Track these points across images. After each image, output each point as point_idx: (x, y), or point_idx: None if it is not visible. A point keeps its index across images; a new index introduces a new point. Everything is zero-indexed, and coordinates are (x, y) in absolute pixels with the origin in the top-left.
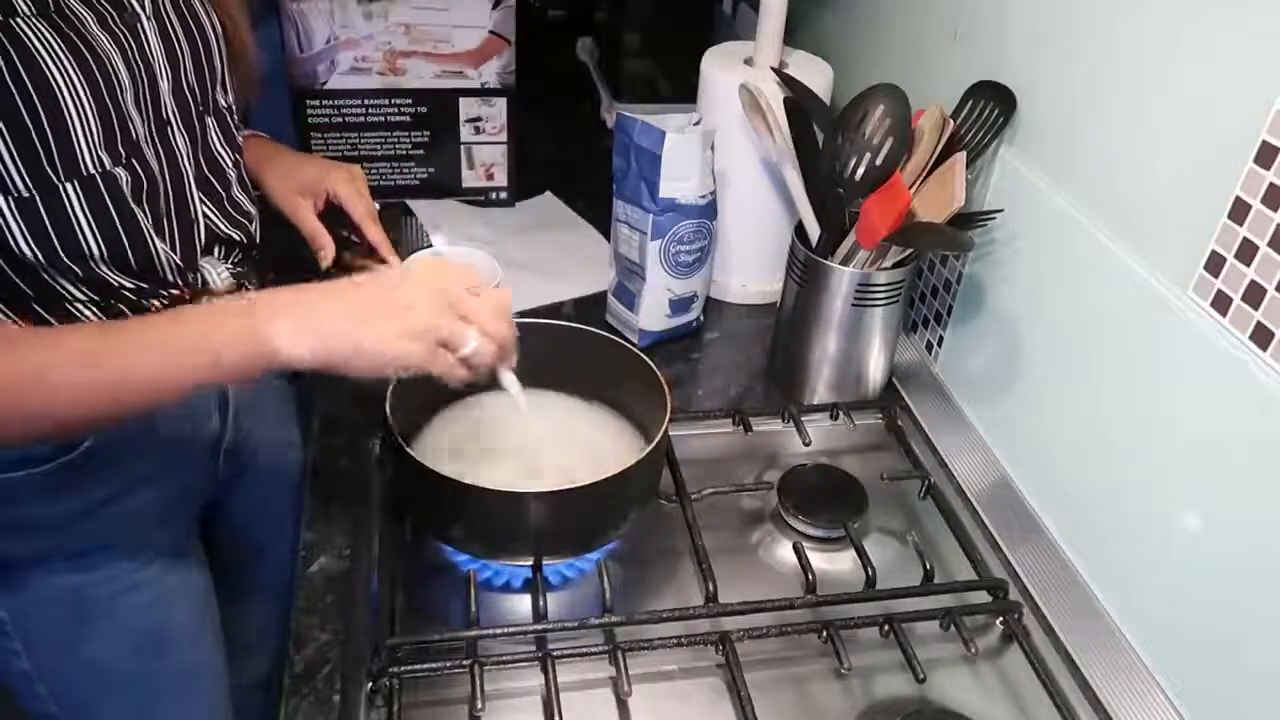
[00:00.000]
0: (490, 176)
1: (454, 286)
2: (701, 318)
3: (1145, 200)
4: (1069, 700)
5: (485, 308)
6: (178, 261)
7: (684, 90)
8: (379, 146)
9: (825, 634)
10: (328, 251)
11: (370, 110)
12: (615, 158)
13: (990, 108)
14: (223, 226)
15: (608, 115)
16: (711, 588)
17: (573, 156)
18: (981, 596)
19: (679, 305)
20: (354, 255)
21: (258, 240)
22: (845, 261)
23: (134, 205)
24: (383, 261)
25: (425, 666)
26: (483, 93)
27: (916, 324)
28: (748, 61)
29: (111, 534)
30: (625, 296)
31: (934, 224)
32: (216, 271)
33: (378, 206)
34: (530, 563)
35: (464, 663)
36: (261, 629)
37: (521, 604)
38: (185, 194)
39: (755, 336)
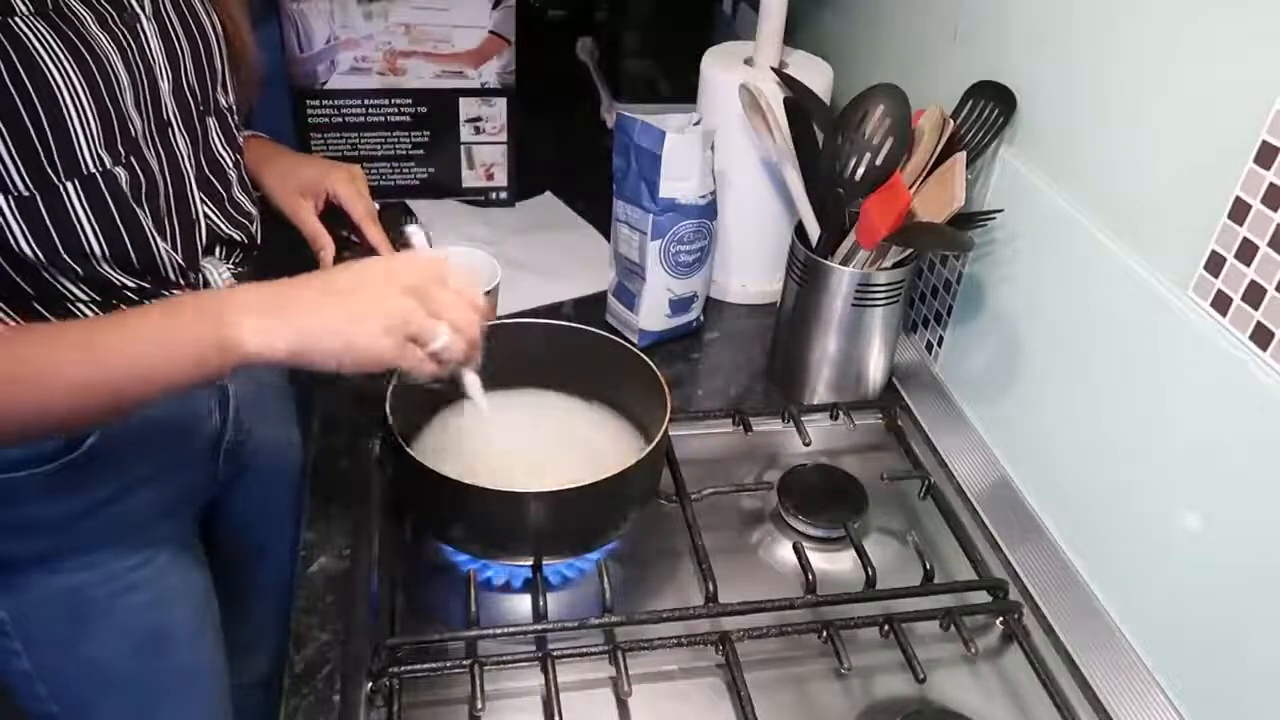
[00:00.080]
0: (490, 176)
1: (424, 281)
2: (701, 318)
3: (1145, 200)
4: (1069, 700)
5: (456, 303)
6: (179, 261)
7: (684, 90)
8: (379, 146)
9: (825, 634)
10: (328, 252)
11: (370, 110)
12: (615, 158)
13: (990, 108)
14: (224, 227)
15: (608, 115)
16: (711, 588)
17: (573, 156)
18: (981, 596)
19: (679, 305)
20: (354, 255)
21: (259, 241)
22: (845, 261)
23: (134, 204)
24: None
25: (425, 666)
26: (483, 93)
27: (916, 324)
28: (748, 61)
29: (112, 534)
30: (625, 296)
31: (934, 224)
32: (218, 272)
33: (378, 206)
34: (530, 563)
35: (464, 663)
36: (261, 629)
37: (521, 604)
38: (186, 194)
39: (755, 336)
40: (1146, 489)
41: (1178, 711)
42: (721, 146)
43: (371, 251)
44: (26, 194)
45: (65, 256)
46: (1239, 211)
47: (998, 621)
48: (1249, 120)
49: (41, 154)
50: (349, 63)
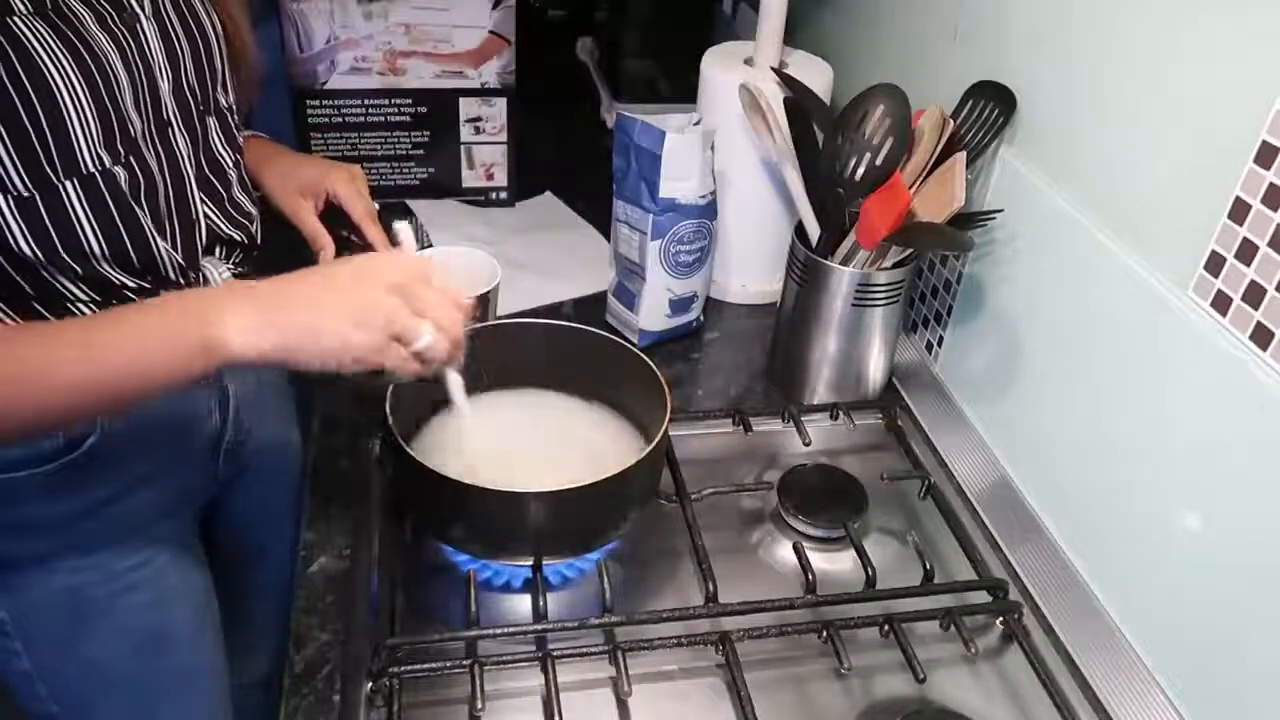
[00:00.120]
0: (490, 176)
1: (408, 279)
2: (701, 318)
3: (1145, 200)
4: (1069, 700)
5: (439, 302)
6: (179, 261)
7: (684, 90)
8: (379, 146)
9: (825, 634)
10: (328, 252)
11: (370, 110)
12: (615, 158)
13: (990, 108)
14: (224, 227)
15: (608, 115)
16: (711, 588)
17: (573, 156)
18: (981, 596)
19: (679, 305)
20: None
21: (259, 241)
22: (845, 261)
23: (134, 204)
24: None
25: (425, 666)
26: (483, 93)
27: (916, 324)
28: (748, 61)
29: (112, 534)
30: (625, 296)
31: (934, 224)
32: (218, 272)
33: (377, 206)
34: (530, 563)
35: (464, 663)
36: (261, 629)
37: (521, 604)
38: (186, 194)
39: (755, 336)
40: (1146, 489)
41: (1178, 711)
42: (721, 146)
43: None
44: (26, 194)
45: (65, 256)
46: (1239, 211)
47: (998, 621)
48: (1249, 120)
49: (41, 154)
50: (349, 63)
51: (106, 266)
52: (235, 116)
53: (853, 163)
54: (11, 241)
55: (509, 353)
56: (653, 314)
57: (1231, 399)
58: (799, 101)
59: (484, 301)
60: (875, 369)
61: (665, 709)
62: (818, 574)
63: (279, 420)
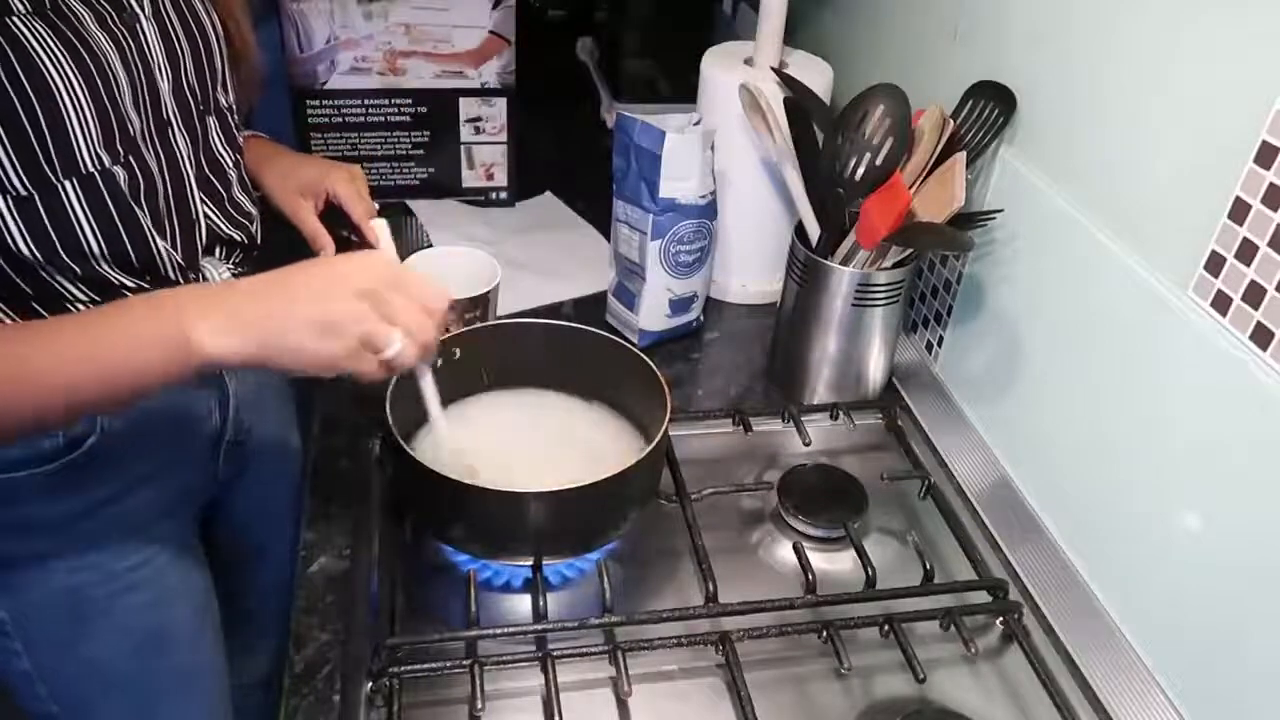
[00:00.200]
0: (490, 176)
1: (378, 284)
2: (701, 318)
3: (1145, 200)
4: (1069, 700)
5: (409, 307)
6: (179, 261)
7: (684, 90)
8: (379, 146)
9: (825, 634)
10: (328, 252)
11: (370, 110)
12: (615, 158)
13: (990, 108)
14: (224, 227)
15: (608, 115)
16: (711, 588)
17: (573, 156)
18: (981, 596)
19: (679, 305)
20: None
21: (259, 241)
22: (845, 261)
23: (134, 204)
24: None
25: (425, 666)
26: (483, 93)
27: (916, 324)
28: (748, 61)
29: (112, 534)
30: (625, 296)
31: (934, 224)
32: (217, 272)
33: (377, 207)
34: (530, 563)
35: (464, 663)
36: (261, 629)
37: (521, 604)
38: (186, 193)
39: (755, 336)
40: (1146, 489)
41: (1178, 711)
42: (721, 146)
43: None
44: (25, 194)
45: (64, 256)
46: (1239, 211)
47: (998, 621)
48: (1249, 120)
49: (40, 154)
50: (349, 63)
51: (106, 267)
52: (235, 116)
53: (853, 163)
54: (10, 242)
55: (509, 353)
56: (653, 314)
57: (1231, 399)
58: (799, 101)
59: (484, 301)
60: (875, 369)
61: (665, 709)
62: (818, 574)
63: (279, 420)
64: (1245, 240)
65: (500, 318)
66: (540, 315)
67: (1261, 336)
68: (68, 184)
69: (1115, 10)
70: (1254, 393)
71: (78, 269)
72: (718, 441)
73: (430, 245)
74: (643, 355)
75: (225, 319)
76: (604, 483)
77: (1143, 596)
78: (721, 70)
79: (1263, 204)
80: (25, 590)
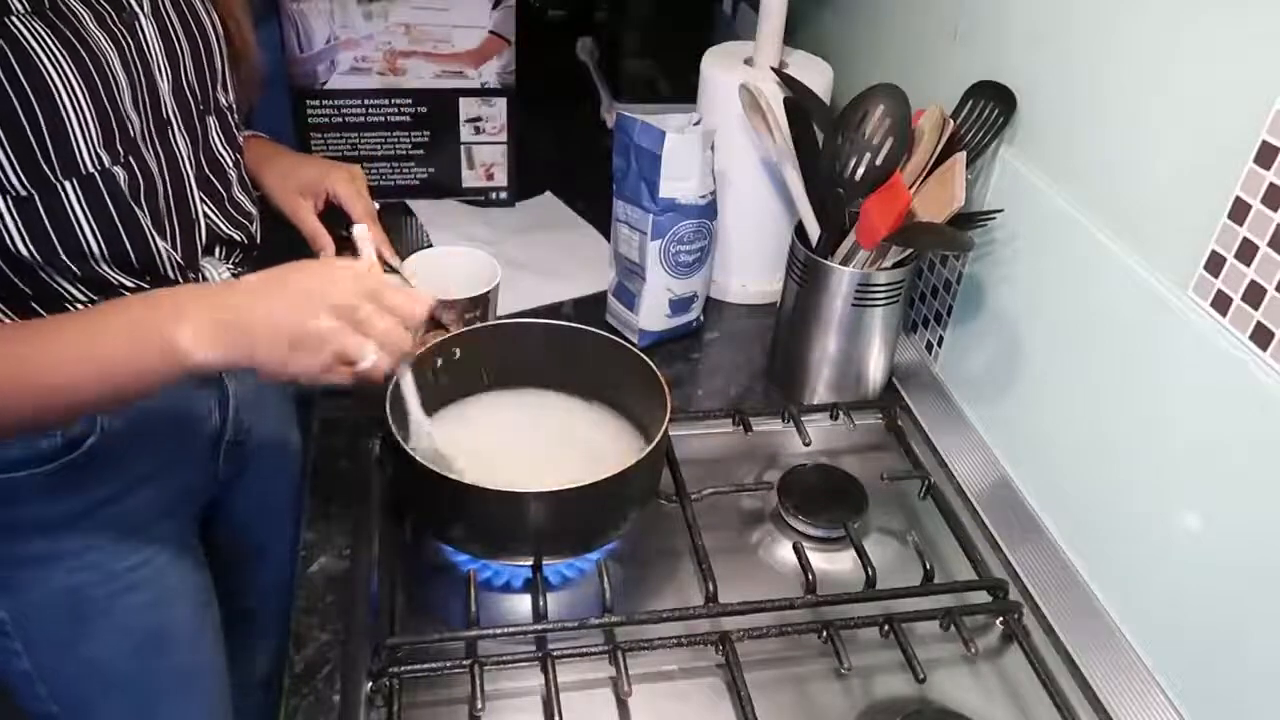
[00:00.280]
0: (490, 176)
1: (352, 297)
2: (701, 318)
3: (1145, 200)
4: (1069, 700)
5: (384, 320)
6: (179, 261)
7: (684, 90)
8: (379, 146)
9: (825, 634)
10: (328, 252)
11: (370, 110)
12: (615, 158)
13: (990, 108)
14: (224, 226)
15: (608, 115)
16: (711, 588)
17: (573, 156)
18: (981, 596)
19: (679, 305)
20: (353, 256)
21: (259, 241)
22: (845, 261)
23: (133, 204)
24: (383, 262)
25: (425, 666)
26: (483, 93)
27: (916, 324)
28: (748, 61)
29: (112, 534)
30: (625, 296)
31: (934, 224)
32: (217, 272)
33: (377, 206)
34: (530, 563)
35: (464, 663)
36: (261, 629)
37: (521, 604)
38: (186, 193)
39: (755, 336)
40: (1146, 489)
41: (1178, 711)
42: (721, 146)
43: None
44: (24, 194)
45: (63, 257)
46: (1239, 211)
47: (998, 621)
48: (1249, 120)
49: (39, 154)
50: (349, 63)
51: (105, 267)
52: (235, 116)
53: (853, 163)
54: (9, 242)
55: (509, 353)
56: (653, 314)
57: (1231, 399)
58: (799, 101)
59: (484, 301)
60: (875, 369)
61: (665, 709)
62: (818, 574)
63: (279, 420)
64: (1245, 240)
65: (500, 318)
66: (540, 315)
67: (1261, 336)
68: (67, 184)
69: (1115, 10)
70: (1254, 393)
71: (77, 269)
72: (718, 441)
73: (430, 245)
74: (643, 355)
75: (209, 329)
76: (604, 483)
77: (1143, 596)
78: (721, 70)
79: (1263, 204)
80: (25, 590)
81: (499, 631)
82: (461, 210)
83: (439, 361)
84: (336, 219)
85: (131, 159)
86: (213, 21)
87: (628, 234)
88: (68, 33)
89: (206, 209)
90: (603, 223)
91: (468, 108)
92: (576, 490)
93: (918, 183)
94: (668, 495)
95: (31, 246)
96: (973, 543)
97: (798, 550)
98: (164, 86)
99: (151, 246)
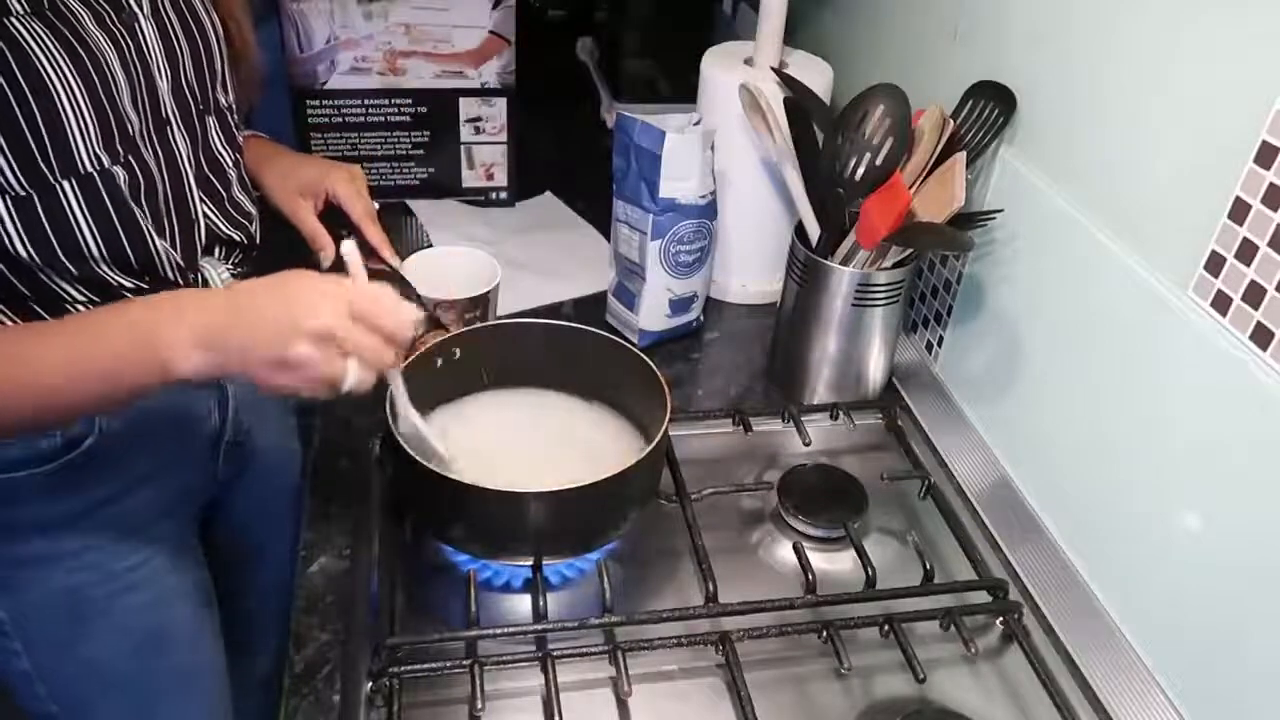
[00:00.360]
0: (490, 176)
1: (331, 322)
2: (701, 318)
3: (1145, 200)
4: (1069, 700)
5: (367, 338)
6: (178, 260)
7: (684, 90)
8: (379, 146)
9: (825, 634)
10: (328, 252)
11: (370, 110)
12: (615, 158)
13: (990, 108)
14: (223, 226)
15: (608, 115)
16: (711, 588)
17: (573, 156)
18: (981, 596)
19: (679, 305)
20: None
21: (258, 241)
22: (845, 261)
23: (133, 204)
24: (382, 262)
25: (425, 666)
26: (483, 93)
27: (916, 324)
28: (748, 61)
29: (111, 534)
30: (625, 296)
31: (934, 224)
32: (217, 272)
33: (377, 206)
34: (530, 563)
35: (464, 663)
36: (261, 629)
37: (521, 604)
38: (185, 193)
39: (755, 336)
40: (1146, 489)
41: (1178, 711)
42: (721, 146)
43: (371, 252)
44: (23, 194)
45: (62, 257)
46: (1239, 211)
47: (998, 621)
48: (1249, 120)
49: (37, 154)
50: (349, 63)
51: (104, 268)
52: (235, 116)
53: (853, 163)
54: (8, 243)
55: (509, 353)
56: (653, 314)
57: (1231, 399)
58: (799, 101)
59: (484, 301)
60: (875, 369)
61: (665, 709)
62: (818, 574)
63: (278, 420)
64: (1245, 240)
65: (500, 318)
66: (540, 315)
67: (1261, 336)
68: (66, 184)
69: (1115, 10)
70: (1254, 393)
71: (76, 270)
72: (718, 441)
73: (430, 245)
74: (643, 355)
75: (198, 343)
76: (604, 483)
77: (1143, 596)
78: (721, 70)
79: (1263, 204)
80: (24, 590)
81: (499, 631)
82: (461, 210)
83: (439, 361)
84: (336, 219)
85: (131, 159)
86: (212, 22)
87: (628, 234)
88: (66, 33)
89: (206, 209)
90: (603, 223)
91: (468, 108)
92: (576, 490)
93: (918, 183)
94: (668, 495)
95: (30, 247)
96: (973, 543)
97: (798, 550)
98: (163, 86)
99: (151, 247)
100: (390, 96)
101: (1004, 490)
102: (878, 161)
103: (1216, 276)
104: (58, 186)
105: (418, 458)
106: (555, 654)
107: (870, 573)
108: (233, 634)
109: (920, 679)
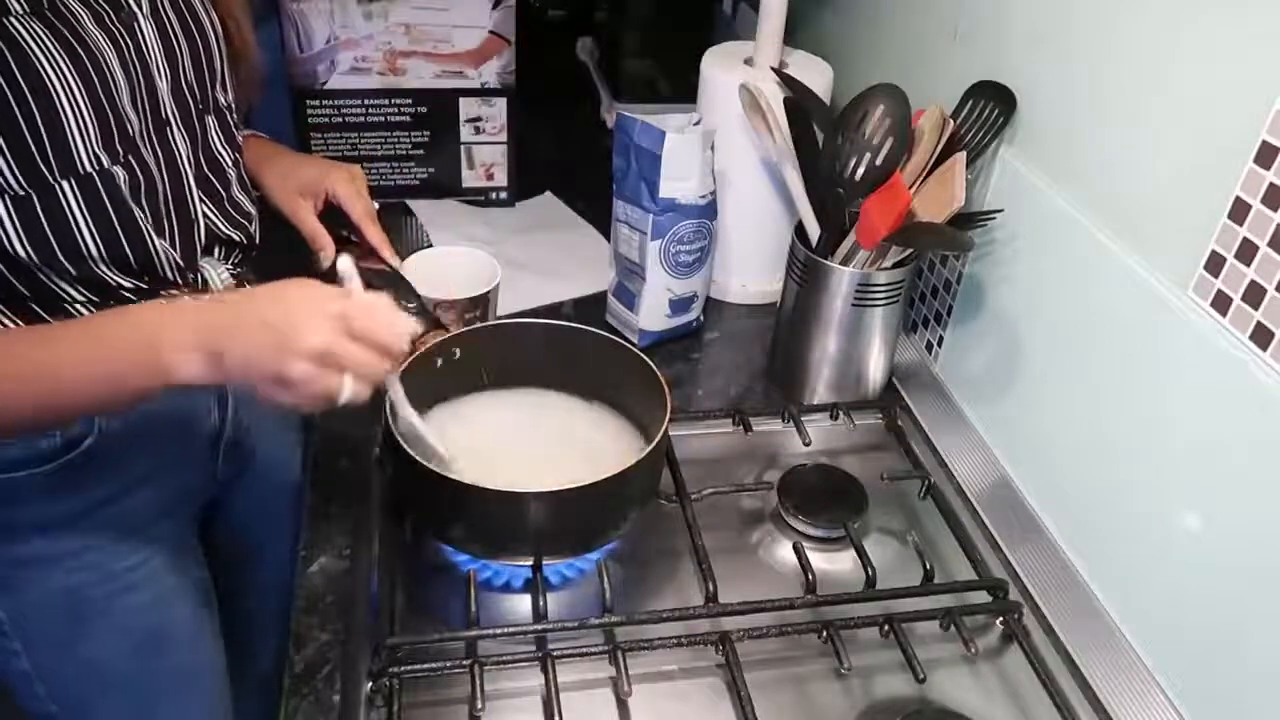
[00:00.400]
0: (490, 176)
1: (330, 338)
2: (701, 318)
3: (1145, 200)
4: (1069, 700)
5: (362, 352)
6: (178, 260)
7: (684, 90)
8: (379, 146)
9: (825, 634)
10: (328, 252)
11: (370, 110)
12: (615, 158)
13: (990, 108)
14: (223, 226)
15: (608, 115)
16: (711, 588)
17: (573, 156)
18: (981, 596)
19: (679, 305)
20: (354, 255)
21: (258, 241)
22: (845, 261)
23: (132, 204)
24: (382, 262)
25: (425, 666)
26: (483, 93)
27: (916, 324)
28: (748, 61)
29: (111, 534)
30: (625, 296)
31: (934, 224)
32: (216, 272)
33: (377, 206)
34: (530, 563)
35: (464, 663)
36: (261, 629)
37: (521, 604)
38: (185, 193)
39: (755, 336)
40: (1146, 489)
41: (1178, 711)
42: (721, 146)
43: (371, 252)
44: (22, 194)
45: (61, 257)
46: (1239, 211)
47: (998, 621)
48: (1249, 120)
49: (37, 153)
50: (349, 63)
51: (104, 268)
52: (234, 116)
53: (853, 163)
54: (7, 243)
55: (509, 353)
56: (653, 314)
57: (1231, 399)
58: (799, 101)
59: (484, 301)
60: (875, 369)
61: (665, 709)
62: (818, 574)
63: (278, 420)
64: (1245, 240)
65: (500, 318)
66: (540, 315)
67: (1261, 336)
68: (65, 184)
69: (1115, 10)
70: (1254, 393)
71: (75, 270)
72: (718, 441)
73: (430, 245)
74: (643, 355)
75: (199, 347)
76: (604, 483)
77: (1143, 596)
78: (721, 70)
79: (1263, 204)
80: (24, 590)
81: (499, 631)
82: (461, 210)
83: (439, 361)
84: (336, 219)
85: (130, 159)
86: (212, 21)
87: (628, 234)
88: (66, 33)
89: (206, 209)
90: (603, 223)
91: (468, 108)
92: (576, 490)
93: (918, 183)
94: (668, 495)
95: (29, 247)
96: (973, 543)
97: (798, 550)
98: (163, 86)
99: (150, 247)
100: (390, 96)
101: (1004, 490)
102: (878, 161)
103: (1216, 276)
104: (57, 186)
105: (418, 457)
106: (555, 654)
107: (870, 573)
108: (233, 634)
109: (920, 679)
